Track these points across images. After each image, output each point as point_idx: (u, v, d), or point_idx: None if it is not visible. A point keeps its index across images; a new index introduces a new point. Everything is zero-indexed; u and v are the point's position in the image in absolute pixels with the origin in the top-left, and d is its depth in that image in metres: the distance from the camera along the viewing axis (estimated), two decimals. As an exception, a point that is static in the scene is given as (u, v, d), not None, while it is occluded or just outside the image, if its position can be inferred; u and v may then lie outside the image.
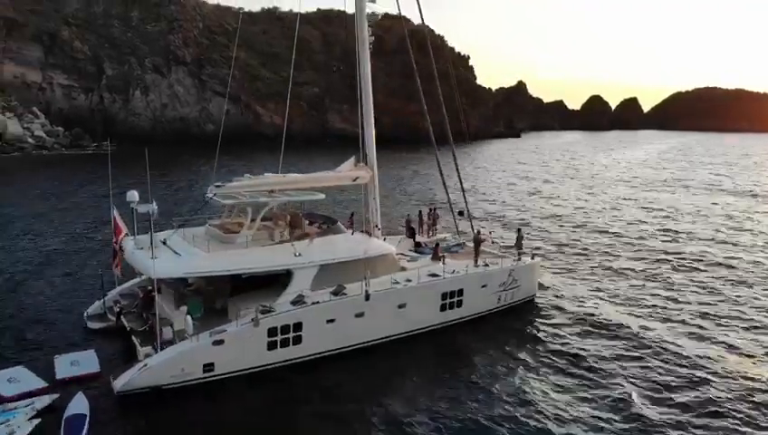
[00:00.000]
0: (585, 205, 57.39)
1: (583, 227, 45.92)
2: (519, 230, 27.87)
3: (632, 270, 33.17)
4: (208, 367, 18.52)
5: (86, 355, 20.09)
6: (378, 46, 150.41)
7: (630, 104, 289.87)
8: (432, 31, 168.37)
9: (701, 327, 24.72)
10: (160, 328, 19.03)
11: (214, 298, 21.35)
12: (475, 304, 24.60)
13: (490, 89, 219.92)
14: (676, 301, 27.92)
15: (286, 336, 19.64)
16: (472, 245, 27.47)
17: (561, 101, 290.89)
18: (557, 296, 28.16)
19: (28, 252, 34.19)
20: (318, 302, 20.33)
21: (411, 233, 29.18)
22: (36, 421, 16.11)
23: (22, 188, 57.04)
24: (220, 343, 18.53)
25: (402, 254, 26.52)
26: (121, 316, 21.82)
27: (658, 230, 45.04)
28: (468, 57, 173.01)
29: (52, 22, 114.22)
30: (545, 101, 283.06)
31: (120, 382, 17.59)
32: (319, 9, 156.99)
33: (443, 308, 23.56)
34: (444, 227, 32.33)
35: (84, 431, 15.83)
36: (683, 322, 25.27)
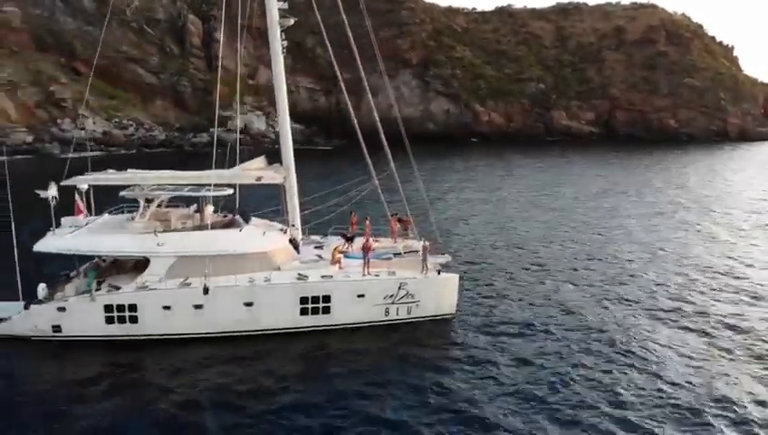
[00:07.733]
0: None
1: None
2: (423, 241, 25.43)
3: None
4: (56, 328, 22.16)
5: (15, 305, 25.31)
6: (618, 37, 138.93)
7: None
8: (689, 18, 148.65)
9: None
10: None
11: (108, 273, 24.84)
12: (349, 314, 23.78)
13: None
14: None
15: (122, 314, 22.22)
16: (417, 253, 26.43)
17: None
18: (488, 325, 24.93)
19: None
20: (155, 289, 22.47)
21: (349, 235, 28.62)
22: None
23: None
24: (62, 310, 22.05)
25: (320, 256, 26.59)
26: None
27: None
28: (732, 47, 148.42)
29: (300, 31, 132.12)
30: None
31: None
32: (558, 3, 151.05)
33: (304, 312, 23.41)
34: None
35: None
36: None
